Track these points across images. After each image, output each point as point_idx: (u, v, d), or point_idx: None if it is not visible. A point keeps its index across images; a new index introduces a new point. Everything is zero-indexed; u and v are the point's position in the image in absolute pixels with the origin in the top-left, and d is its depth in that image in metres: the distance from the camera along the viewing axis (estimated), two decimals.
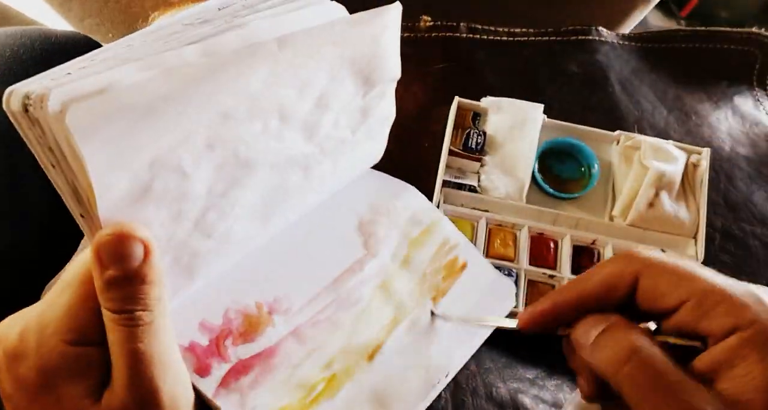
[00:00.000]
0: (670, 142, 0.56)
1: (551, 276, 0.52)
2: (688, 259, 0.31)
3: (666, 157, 0.55)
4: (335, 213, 0.44)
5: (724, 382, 0.28)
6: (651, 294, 0.31)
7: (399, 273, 0.44)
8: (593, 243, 0.54)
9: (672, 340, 0.31)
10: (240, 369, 0.36)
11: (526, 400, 0.45)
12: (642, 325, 0.31)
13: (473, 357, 0.42)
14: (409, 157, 0.52)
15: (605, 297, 0.32)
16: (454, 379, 0.43)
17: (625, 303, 0.32)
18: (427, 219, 0.46)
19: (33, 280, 0.44)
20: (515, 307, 0.48)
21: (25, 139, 0.27)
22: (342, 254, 0.43)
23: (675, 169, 0.54)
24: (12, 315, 0.31)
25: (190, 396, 0.32)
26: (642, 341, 0.29)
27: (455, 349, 0.42)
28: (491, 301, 0.46)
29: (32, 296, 0.42)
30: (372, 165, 0.46)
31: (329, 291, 0.41)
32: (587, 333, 0.31)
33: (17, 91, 0.26)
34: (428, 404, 0.40)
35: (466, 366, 0.42)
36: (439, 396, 0.41)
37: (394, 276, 0.43)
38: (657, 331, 0.32)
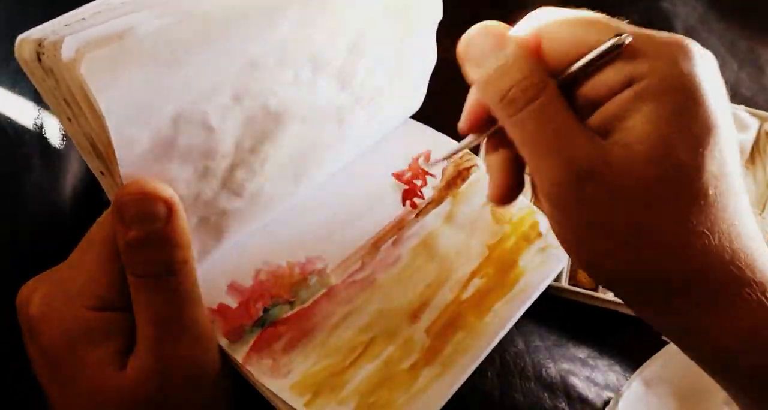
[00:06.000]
0: (741, 107, 0.53)
1: None
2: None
3: (735, 125, 0.51)
4: (371, 167, 0.42)
5: (615, 135, 0.26)
6: (556, 54, 0.28)
7: (443, 229, 0.41)
8: None
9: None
10: (272, 333, 0.35)
11: (578, 382, 0.43)
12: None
13: (521, 333, 0.40)
14: (453, 111, 0.49)
15: None
16: (501, 359, 0.41)
17: None
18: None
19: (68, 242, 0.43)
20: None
21: (39, 91, 0.26)
22: (379, 210, 0.41)
23: (745, 139, 0.51)
24: (35, 278, 0.30)
25: (218, 363, 0.31)
26: (548, 91, 0.27)
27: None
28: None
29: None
30: (410, 115, 0.44)
31: (366, 250, 0.39)
32: (483, 57, 0.28)
33: (29, 38, 0.24)
34: (473, 368, 0.38)
35: (514, 344, 0.40)
36: (486, 376, 0.39)
37: (438, 232, 0.41)
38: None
